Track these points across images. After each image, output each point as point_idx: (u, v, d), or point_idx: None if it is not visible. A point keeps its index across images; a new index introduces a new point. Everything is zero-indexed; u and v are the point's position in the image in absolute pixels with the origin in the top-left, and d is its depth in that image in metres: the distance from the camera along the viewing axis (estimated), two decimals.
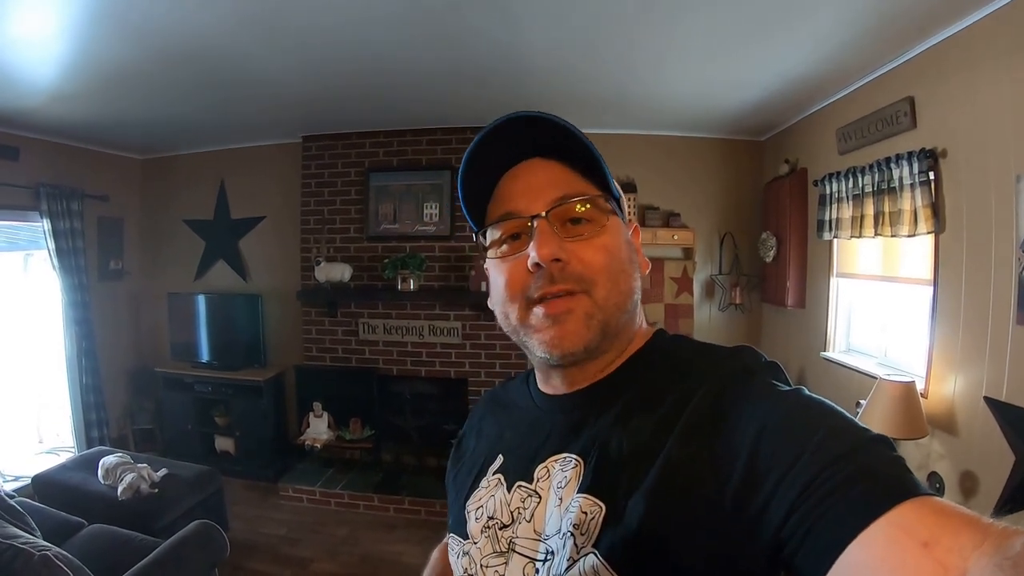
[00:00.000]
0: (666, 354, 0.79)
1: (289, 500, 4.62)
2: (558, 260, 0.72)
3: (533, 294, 0.74)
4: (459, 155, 4.51)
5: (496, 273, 0.81)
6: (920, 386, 2.72)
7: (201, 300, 5.27)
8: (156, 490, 3.61)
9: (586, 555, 0.64)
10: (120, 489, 3.52)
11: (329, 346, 4.94)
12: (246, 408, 5.01)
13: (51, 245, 4.64)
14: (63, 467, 3.99)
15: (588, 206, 0.76)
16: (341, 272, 4.63)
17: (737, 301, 4.71)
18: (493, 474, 0.84)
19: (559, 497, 0.71)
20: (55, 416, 5.27)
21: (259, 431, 5.01)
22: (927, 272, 2.80)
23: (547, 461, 0.77)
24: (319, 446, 4.72)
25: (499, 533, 0.78)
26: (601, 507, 0.66)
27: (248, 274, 5.32)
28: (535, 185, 0.77)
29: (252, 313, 5.08)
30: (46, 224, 4.58)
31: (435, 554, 1.12)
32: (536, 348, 0.76)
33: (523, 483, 0.78)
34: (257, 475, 4.95)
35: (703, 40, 2.90)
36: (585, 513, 0.66)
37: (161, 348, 5.54)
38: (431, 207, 4.67)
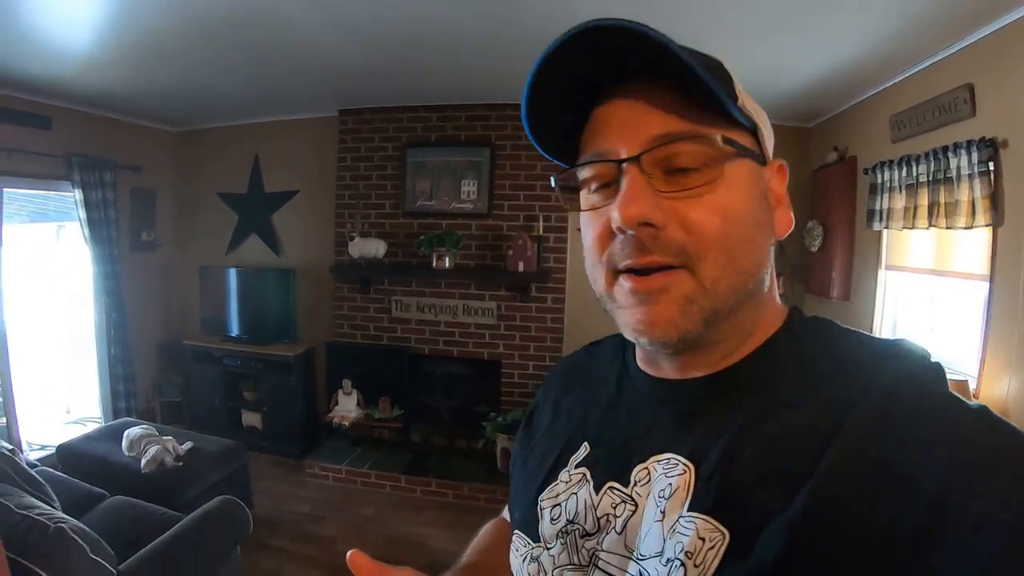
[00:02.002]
0: (810, 344, 0.64)
1: (315, 478, 4.70)
2: (649, 225, 0.58)
3: (618, 263, 0.62)
4: (500, 132, 4.60)
5: (584, 227, 0.68)
6: (972, 386, 2.69)
7: (232, 274, 5.38)
8: (180, 463, 3.70)
9: None
10: (144, 461, 3.61)
11: (361, 323, 5.03)
12: (275, 384, 5.11)
13: (82, 215, 4.76)
14: (88, 438, 4.09)
15: (698, 146, 0.59)
16: (375, 248, 4.69)
17: (780, 291, 4.67)
18: (576, 467, 0.72)
19: (661, 510, 0.60)
20: (83, 387, 5.42)
21: (287, 407, 5.12)
22: (983, 267, 2.77)
23: (648, 461, 0.64)
24: (347, 424, 4.81)
25: (580, 541, 0.67)
26: (724, 535, 0.53)
27: (281, 248, 5.42)
28: (629, 119, 0.61)
29: (284, 288, 5.18)
30: (78, 194, 4.70)
31: (487, 528, 1.02)
32: (623, 328, 0.65)
33: (616, 485, 0.66)
34: (284, 451, 5.06)
35: (749, 22, 2.90)
36: (702, 539, 0.54)
37: (191, 321, 5.66)
38: (469, 184, 4.73)
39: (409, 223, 4.86)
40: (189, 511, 2.95)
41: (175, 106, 5.01)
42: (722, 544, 0.53)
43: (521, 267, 4.42)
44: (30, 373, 5.09)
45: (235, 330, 5.39)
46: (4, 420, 4.60)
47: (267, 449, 5.11)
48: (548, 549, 0.70)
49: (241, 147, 5.50)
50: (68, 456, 3.96)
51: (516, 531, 0.77)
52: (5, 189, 4.37)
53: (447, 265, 4.56)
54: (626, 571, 0.61)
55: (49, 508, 2.31)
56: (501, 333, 4.73)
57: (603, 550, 0.64)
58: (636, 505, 0.63)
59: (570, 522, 0.68)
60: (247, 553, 3.57)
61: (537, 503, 0.74)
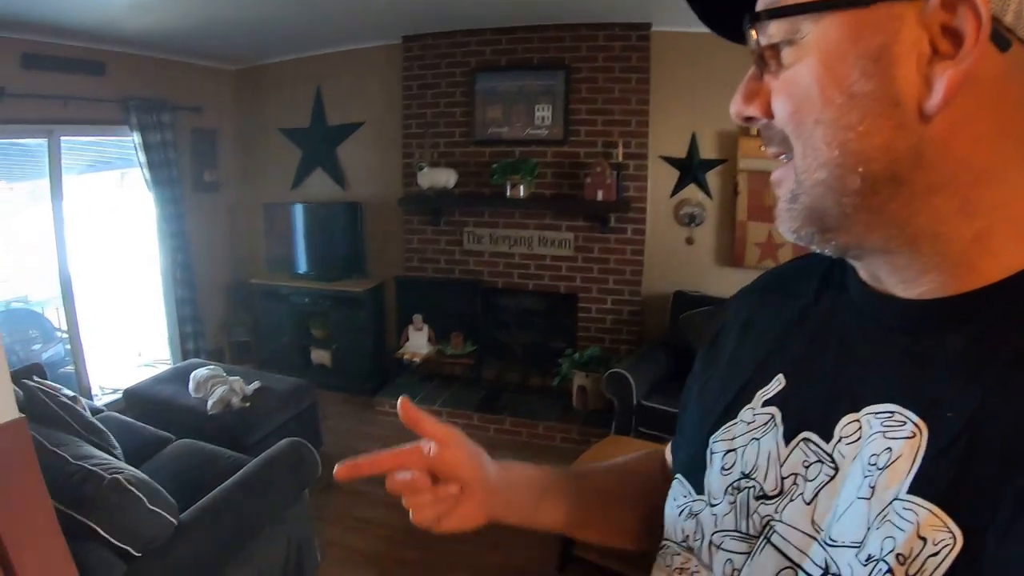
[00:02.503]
0: None
1: (386, 415, 4.68)
2: (750, 118, 0.51)
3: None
4: (574, 54, 4.44)
5: None
6: None
7: (298, 209, 5.34)
8: (248, 404, 3.67)
9: None
10: (210, 403, 3.59)
11: (431, 256, 4.95)
12: (344, 320, 5.10)
13: (143, 158, 4.78)
14: (155, 380, 4.12)
15: (779, 17, 0.46)
16: (446, 178, 4.58)
17: None
18: (764, 405, 0.59)
19: (870, 484, 0.45)
20: (153, 330, 5.54)
21: (357, 344, 5.10)
22: None
23: (862, 412, 0.49)
24: (418, 360, 4.75)
25: (752, 504, 0.55)
26: (955, 538, 0.39)
27: (347, 182, 5.35)
28: None
29: (351, 222, 5.12)
30: (136, 137, 4.72)
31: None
32: None
33: (813, 437, 0.52)
34: (354, 389, 5.05)
35: None
36: (923, 540, 0.40)
37: (257, 260, 5.69)
38: (543, 110, 4.53)
39: (480, 152, 4.70)
40: (256, 453, 2.91)
41: (232, 43, 4.95)
42: (950, 551, 0.39)
43: (600, 196, 4.23)
44: (101, 319, 5.25)
45: (303, 267, 5.38)
46: (73, 367, 4.71)
47: (337, 387, 5.11)
48: (712, 506, 0.59)
49: (302, 81, 5.41)
50: (135, 400, 4.00)
51: (677, 475, 0.66)
52: (63, 137, 4.41)
53: (521, 194, 4.41)
54: (807, 555, 0.48)
55: (108, 457, 2.28)
56: (578, 265, 4.57)
57: (781, 521, 0.52)
58: (836, 469, 0.49)
59: (745, 476, 0.57)
60: (316, 494, 3.53)
61: (707, 445, 0.62)
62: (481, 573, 2.98)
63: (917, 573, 0.39)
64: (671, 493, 0.66)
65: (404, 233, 5.03)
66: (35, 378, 3.04)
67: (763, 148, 0.54)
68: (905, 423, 0.45)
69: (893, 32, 0.42)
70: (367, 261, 5.23)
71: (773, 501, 0.53)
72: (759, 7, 0.48)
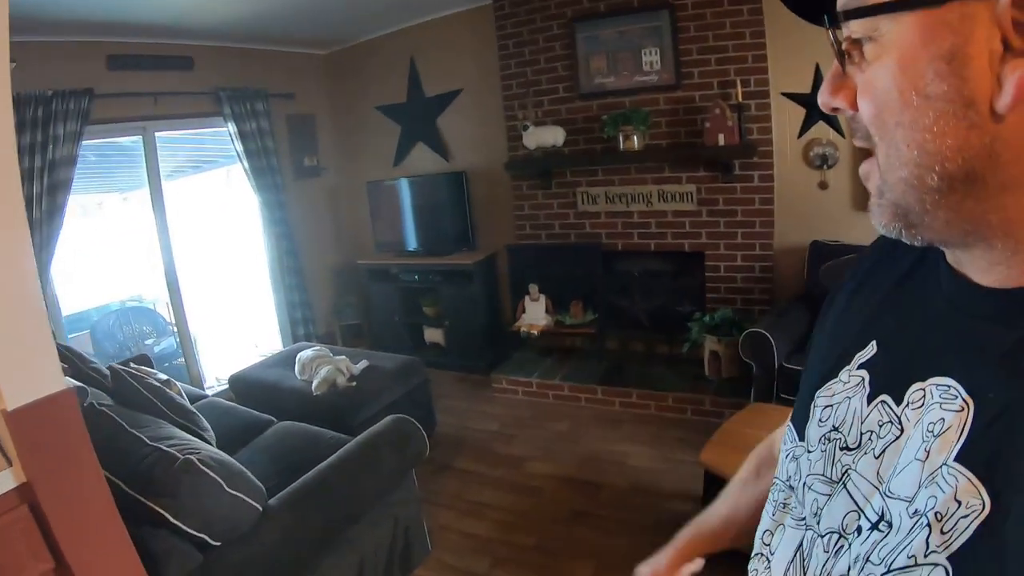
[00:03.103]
0: None
1: (503, 393, 4.61)
2: (836, 108, 0.55)
3: None
4: None
5: None
6: None
7: (403, 185, 5.35)
8: (354, 383, 3.62)
9: (934, 566, 0.46)
10: (315, 384, 3.57)
11: (544, 222, 4.81)
12: (455, 295, 5.05)
13: (239, 148, 4.91)
14: (261, 365, 4.17)
15: (851, 20, 0.49)
16: (553, 136, 4.41)
17: None
18: (858, 368, 0.65)
19: (925, 447, 0.51)
20: (265, 319, 5.71)
21: (470, 319, 5.05)
22: None
23: (928, 381, 0.55)
24: (536, 333, 4.61)
25: (837, 454, 0.63)
26: (983, 504, 0.45)
27: (449, 153, 5.32)
28: None
29: (457, 193, 5.06)
30: (231, 127, 4.85)
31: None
32: None
33: (888, 400, 0.59)
34: (468, 366, 5.04)
35: None
36: (958, 503, 0.46)
37: (364, 240, 5.78)
38: (651, 54, 4.25)
39: (587, 105, 4.49)
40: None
41: (319, 25, 4.98)
42: (978, 516, 0.45)
43: (721, 140, 3.94)
44: (214, 313, 5.54)
45: (410, 244, 5.40)
46: (183, 360, 4.93)
47: (451, 365, 5.11)
48: (809, 452, 0.68)
49: (394, 56, 5.40)
50: (240, 385, 4.06)
51: (788, 423, 0.76)
52: (157, 133, 4.56)
53: (636, 147, 4.18)
54: (869, 503, 0.56)
55: (190, 439, 2.19)
56: (703, 220, 4.29)
57: (855, 471, 0.60)
58: (901, 431, 0.56)
59: (835, 429, 0.65)
60: (429, 475, 3.47)
61: (813, 399, 0.70)
62: (604, 561, 2.76)
63: (950, 531, 0.46)
64: (783, 438, 0.76)
65: (513, 200, 4.91)
66: (131, 364, 3.09)
67: (852, 140, 0.56)
68: (956, 397, 0.51)
69: (966, 32, 0.43)
70: (476, 232, 5.17)
71: (852, 453, 0.60)
72: (839, 6, 0.50)
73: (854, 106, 0.52)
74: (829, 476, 0.63)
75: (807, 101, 3.96)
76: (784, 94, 4.00)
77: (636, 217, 4.48)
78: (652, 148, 4.26)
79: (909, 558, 0.48)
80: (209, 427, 2.67)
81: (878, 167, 0.52)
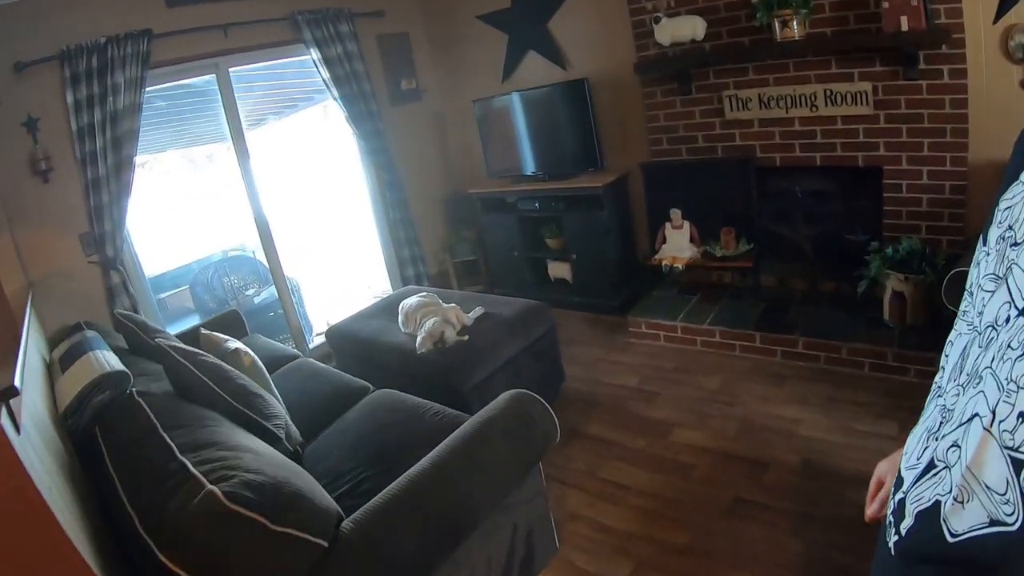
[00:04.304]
0: None
1: (641, 339, 4.27)
2: None
3: None
4: None
5: None
6: None
7: (514, 100, 5.02)
8: (466, 337, 3.30)
9: None
10: (419, 339, 3.27)
11: (684, 134, 4.33)
12: (582, 225, 4.71)
13: (325, 75, 4.72)
14: (360, 316, 3.96)
15: None
16: (691, 28, 3.87)
17: None
18: None
19: None
20: (372, 261, 5.62)
21: (600, 252, 4.69)
22: None
23: None
24: (680, 267, 4.20)
25: (1007, 251, 0.68)
26: None
27: (566, 60, 4.89)
28: None
29: (578, 105, 4.63)
30: (315, 54, 4.66)
31: None
32: None
33: None
34: (600, 306, 4.78)
35: None
36: None
37: (475, 167, 5.57)
38: None
39: None
40: (478, 399, 2.48)
41: None
42: None
43: (904, 24, 3.28)
44: (319, 258, 5.63)
45: (528, 168, 5.12)
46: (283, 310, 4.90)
47: (580, 305, 4.87)
48: (987, 255, 0.74)
49: None
50: (338, 339, 3.87)
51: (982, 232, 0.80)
52: (231, 69, 4.39)
53: (795, 35, 3.58)
54: (1022, 291, 0.62)
55: (232, 449, 1.75)
56: (880, 127, 3.64)
57: (1018, 265, 0.65)
58: None
59: (1009, 228, 0.70)
60: (555, 444, 3.13)
61: (998, 204, 0.75)
62: (771, 572, 2.29)
63: None
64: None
65: (646, 110, 4.46)
66: (202, 329, 2.89)
67: None
68: None
69: None
70: (603, 151, 4.72)
71: (1019, 247, 0.67)
72: None
73: None
74: (997, 273, 0.70)
75: None
76: None
77: (797, 125, 3.90)
78: (815, 38, 3.65)
79: None
80: (279, 410, 2.36)
81: None
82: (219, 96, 4.37)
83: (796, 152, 3.96)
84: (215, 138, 4.88)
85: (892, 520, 0.77)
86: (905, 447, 0.82)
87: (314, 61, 4.67)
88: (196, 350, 2.35)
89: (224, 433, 1.88)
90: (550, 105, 4.84)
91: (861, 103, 3.67)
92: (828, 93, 3.75)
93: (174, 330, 3.54)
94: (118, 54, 3.66)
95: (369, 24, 5.06)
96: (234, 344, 2.73)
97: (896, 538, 0.74)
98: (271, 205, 4.65)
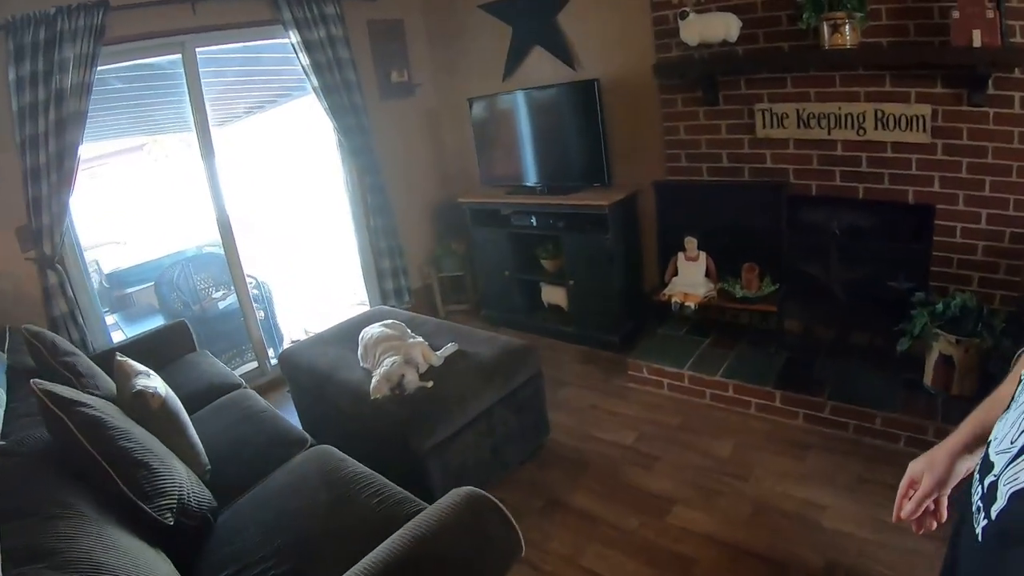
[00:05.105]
0: None
1: (642, 384, 3.89)
2: None
3: None
4: None
5: None
6: None
7: (516, 100, 4.72)
8: (430, 383, 2.82)
9: None
10: (373, 383, 2.81)
11: (707, 151, 4.00)
12: (583, 247, 4.39)
13: (305, 61, 4.45)
14: (319, 340, 3.68)
15: None
16: (724, 27, 3.47)
17: None
18: None
19: None
20: (349, 271, 5.43)
21: (602, 279, 4.36)
22: None
23: None
24: (692, 306, 3.80)
25: None
26: None
27: (576, 59, 4.57)
28: None
29: (587, 110, 4.29)
30: (294, 36, 4.40)
31: None
32: None
33: None
34: (597, 341, 4.47)
35: None
36: None
37: (468, 173, 5.39)
38: None
39: None
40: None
41: None
42: None
43: (977, 39, 2.89)
44: (293, 262, 5.59)
45: (527, 178, 4.82)
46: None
47: (574, 337, 4.61)
48: None
49: None
50: (290, 368, 3.55)
51: None
52: (199, 49, 4.12)
53: (847, 42, 3.17)
54: None
55: (94, 563, 1.35)
56: (937, 159, 3.24)
57: None
58: None
59: None
60: (534, 515, 2.74)
61: None
62: None
63: None
64: None
65: (664, 121, 4.13)
66: (118, 356, 2.50)
67: None
68: None
69: None
70: (612, 164, 4.41)
71: None
72: None
73: None
74: None
75: None
76: None
77: (840, 149, 3.51)
78: (868, 48, 3.27)
79: None
80: (176, 480, 1.91)
81: None
82: (184, 79, 4.01)
83: (836, 181, 3.59)
84: (180, 127, 4.59)
85: (980, 505, 0.79)
86: (993, 433, 0.83)
87: (293, 45, 4.34)
88: (78, 396, 1.89)
89: (79, 536, 1.41)
90: (555, 108, 4.54)
91: (917, 128, 3.26)
92: (879, 114, 3.35)
93: (133, 332, 3.31)
94: (68, 27, 3.39)
95: (359, 8, 4.77)
96: (141, 383, 2.29)
97: (986, 522, 0.76)
98: (239, 203, 4.33)
